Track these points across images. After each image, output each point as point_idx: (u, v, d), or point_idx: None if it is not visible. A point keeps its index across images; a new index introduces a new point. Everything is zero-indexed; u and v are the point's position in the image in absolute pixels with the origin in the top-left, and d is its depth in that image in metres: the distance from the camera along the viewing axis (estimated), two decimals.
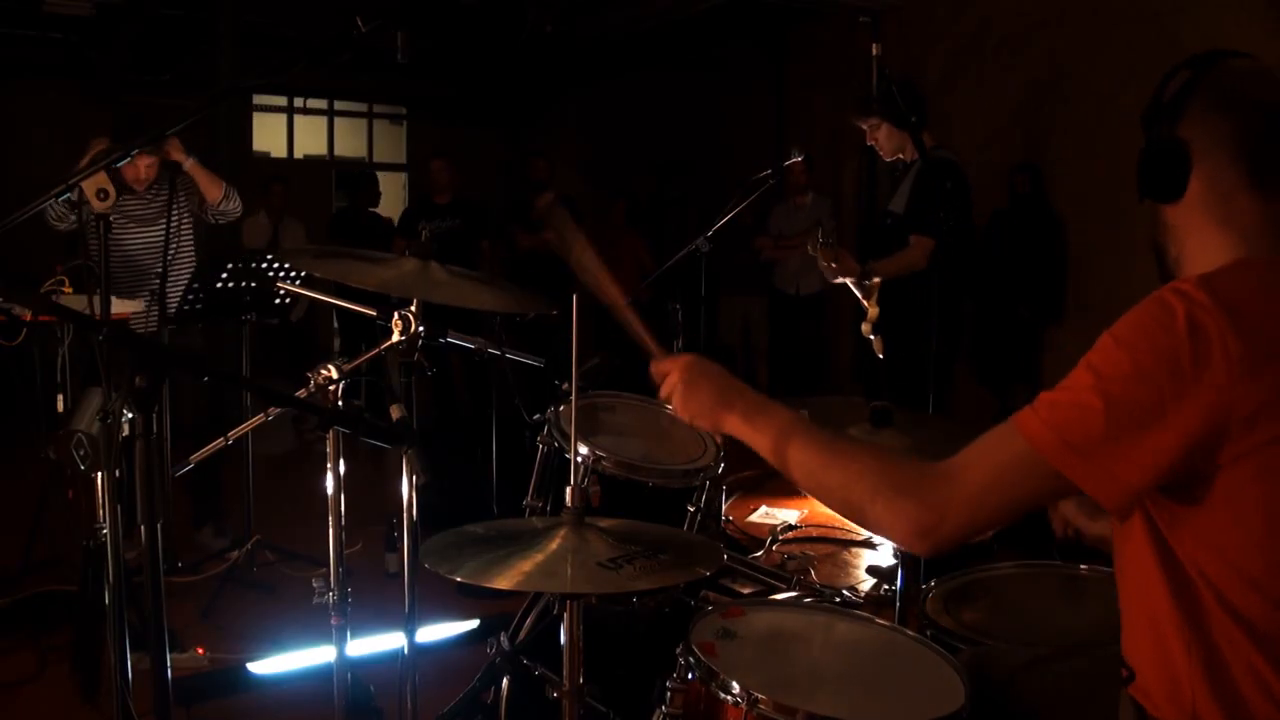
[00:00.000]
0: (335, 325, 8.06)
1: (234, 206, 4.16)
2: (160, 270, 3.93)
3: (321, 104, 11.44)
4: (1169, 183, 1.28)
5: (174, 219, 3.98)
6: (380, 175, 10.56)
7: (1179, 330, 1.13)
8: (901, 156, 3.92)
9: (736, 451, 2.50)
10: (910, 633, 1.81)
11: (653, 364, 1.54)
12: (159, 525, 1.45)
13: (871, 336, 3.73)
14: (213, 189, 4.05)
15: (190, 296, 3.90)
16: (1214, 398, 1.12)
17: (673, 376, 1.49)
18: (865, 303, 3.73)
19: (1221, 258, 1.26)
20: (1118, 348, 1.17)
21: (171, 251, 4.01)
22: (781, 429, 1.39)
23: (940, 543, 1.25)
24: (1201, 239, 1.29)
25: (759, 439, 1.41)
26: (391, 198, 10.06)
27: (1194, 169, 1.26)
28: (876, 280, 3.69)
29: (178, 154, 3.95)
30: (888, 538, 1.31)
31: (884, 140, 3.77)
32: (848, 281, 3.70)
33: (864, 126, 3.82)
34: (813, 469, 1.35)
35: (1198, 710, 1.19)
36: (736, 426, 1.43)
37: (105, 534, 2.80)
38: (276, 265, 4.04)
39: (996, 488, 1.22)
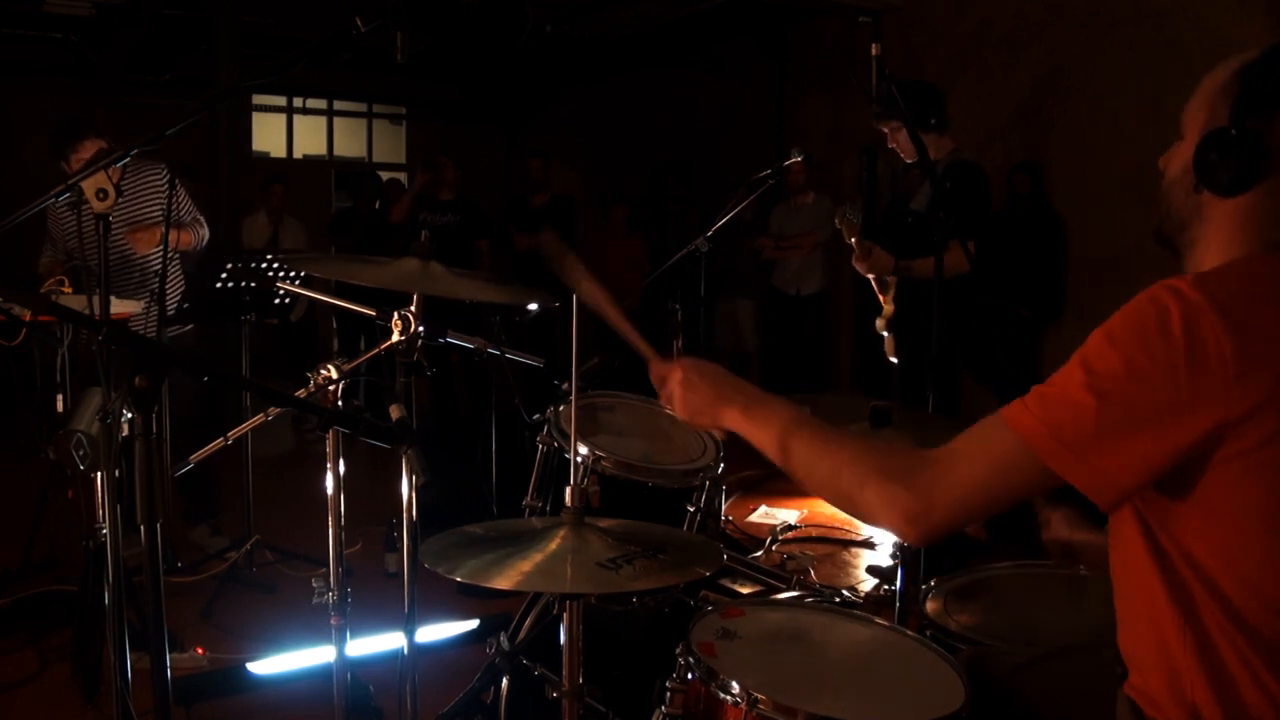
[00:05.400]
0: (334, 325, 8.05)
1: (206, 236, 4.24)
2: (159, 269, 3.93)
3: (321, 104, 11.45)
4: (1232, 180, 1.23)
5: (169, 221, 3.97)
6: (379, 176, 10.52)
7: (1174, 332, 1.12)
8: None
9: (736, 451, 2.50)
10: (910, 633, 1.81)
11: (652, 368, 1.55)
12: (158, 525, 1.45)
13: (885, 334, 3.73)
14: (189, 241, 4.12)
15: (186, 305, 3.91)
16: (1209, 401, 1.11)
17: (672, 379, 1.50)
18: (881, 299, 3.73)
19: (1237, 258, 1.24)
20: (1111, 346, 1.16)
21: (172, 253, 4.01)
22: (780, 422, 1.40)
23: (930, 531, 1.25)
24: (1229, 238, 1.26)
25: (758, 433, 1.42)
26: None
27: (1263, 178, 1.22)
28: (893, 277, 3.70)
29: (146, 247, 3.92)
30: (878, 524, 1.30)
31: (904, 143, 3.77)
32: (869, 276, 3.70)
33: (885, 130, 3.81)
34: (808, 459, 1.36)
35: (1197, 705, 1.20)
36: (735, 420, 1.44)
37: (105, 534, 2.80)
38: (276, 265, 4.04)
39: (986, 479, 1.22)
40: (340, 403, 1.92)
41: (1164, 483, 1.18)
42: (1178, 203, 1.31)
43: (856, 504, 1.30)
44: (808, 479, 1.37)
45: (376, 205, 7.96)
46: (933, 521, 1.23)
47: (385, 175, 10.08)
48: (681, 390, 1.49)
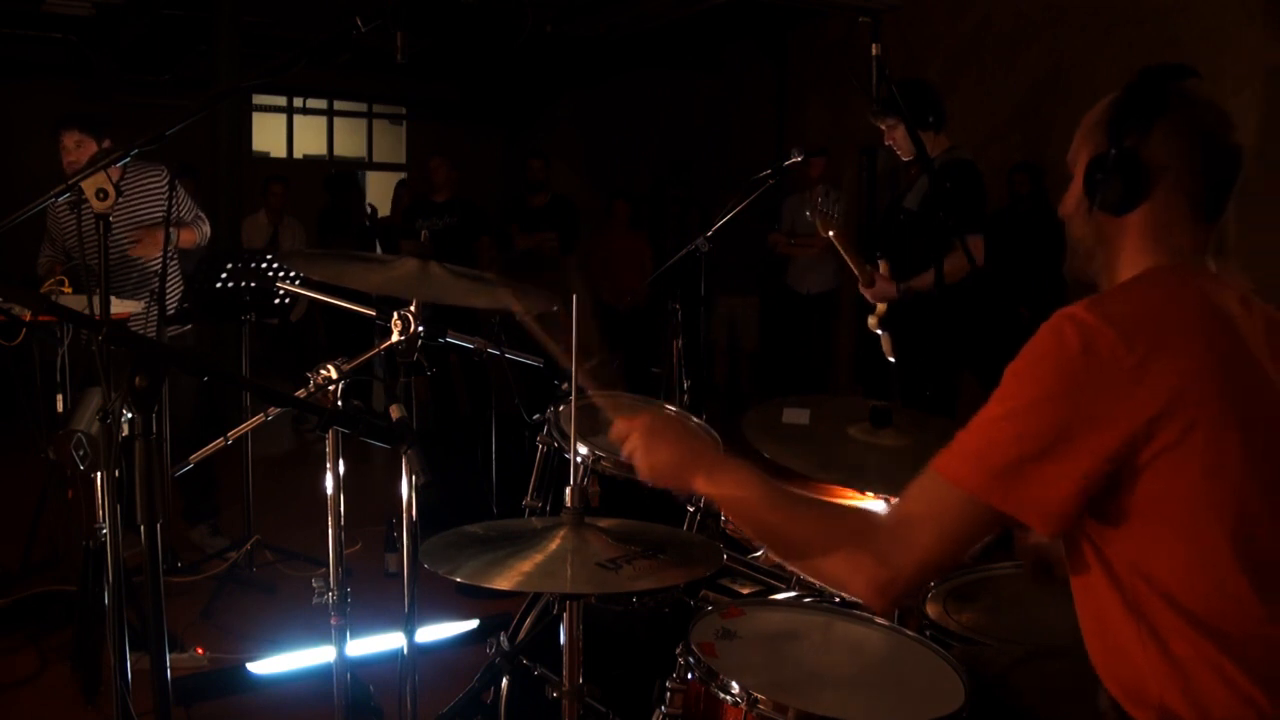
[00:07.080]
0: (320, 324, 7.99)
1: (208, 233, 4.26)
2: (159, 269, 3.93)
3: (321, 104, 11.44)
4: (1122, 197, 1.31)
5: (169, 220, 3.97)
6: (380, 175, 10.51)
7: (1073, 354, 1.20)
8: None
9: (736, 451, 2.50)
10: (910, 633, 1.81)
11: (613, 428, 1.55)
12: (158, 525, 1.45)
13: (879, 332, 3.73)
14: (192, 238, 4.15)
15: (186, 305, 3.91)
16: (1117, 412, 1.18)
17: (633, 439, 1.50)
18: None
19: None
20: (1018, 379, 1.24)
21: (172, 252, 4.01)
22: (745, 489, 1.41)
23: (900, 595, 1.30)
24: (1133, 256, 1.34)
25: (722, 496, 1.45)
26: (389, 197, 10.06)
27: (1149, 191, 1.30)
28: (883, 272, 3.69)
29: (154, 251, 3.93)
30: (848, 593, 1.37)
31: (901, 140, 3.77)
32: (852, 267, 3.70)
33: (883, 127, 3.82)
34: (773, 527, 1.39)
35: (1165, 702, 1.23)
36: (700, 484, 1.45)
37: (105, 534, 2.80)
38: (276, 265, 4.04)
39: (940, 534, 1.26)
40: (340, 403, 1.92)
41: (1097, 502, 1.22)
42: (1079, 232, 1.42)
43: (825, 575, 1.35)
44: (773, 546, 1.44)
45: (369, 212, 7.91)
46: (900, 586, 1.28)
47: (388, 177, 10.10)
48: (644, 452, 1.48)
